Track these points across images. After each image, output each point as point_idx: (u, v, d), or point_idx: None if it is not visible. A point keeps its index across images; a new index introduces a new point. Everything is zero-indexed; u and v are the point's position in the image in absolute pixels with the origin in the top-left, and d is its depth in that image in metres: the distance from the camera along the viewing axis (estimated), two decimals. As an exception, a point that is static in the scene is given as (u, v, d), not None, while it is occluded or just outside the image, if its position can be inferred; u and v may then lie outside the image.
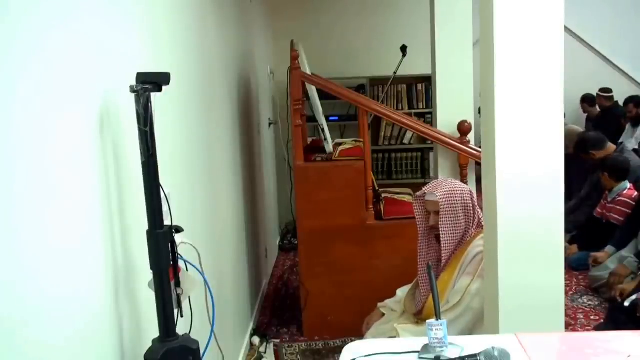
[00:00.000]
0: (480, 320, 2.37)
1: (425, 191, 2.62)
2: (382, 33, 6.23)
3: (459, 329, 2.39)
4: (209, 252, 2.44)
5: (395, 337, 2.47)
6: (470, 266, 2.44)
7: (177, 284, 1.45)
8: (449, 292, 2.47)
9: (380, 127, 6.20)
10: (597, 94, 7.32)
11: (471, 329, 2.42)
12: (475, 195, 2.62)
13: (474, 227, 2.55)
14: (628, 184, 4.64)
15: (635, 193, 4.59)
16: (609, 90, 7.28)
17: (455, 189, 2.55)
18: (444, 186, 2.58)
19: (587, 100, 7.42)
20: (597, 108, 7.41)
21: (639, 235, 4.17)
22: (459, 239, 2.53)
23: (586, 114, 7.52)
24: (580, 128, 6.29)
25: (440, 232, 2.52)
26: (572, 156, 5.21)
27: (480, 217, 2.52)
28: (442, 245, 2.53)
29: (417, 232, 2.66)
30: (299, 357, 3.45)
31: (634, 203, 4.53)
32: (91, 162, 1.31)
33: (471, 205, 2.55)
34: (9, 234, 0.97)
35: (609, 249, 4.38)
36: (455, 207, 2.51)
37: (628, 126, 6.79)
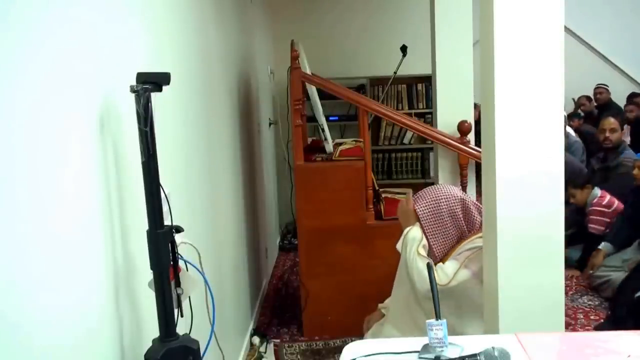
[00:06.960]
0: (466, 302, 2.37)
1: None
2: (382, 33, 6.23)
3: (446, 309, 2.38)
4: (209, 252, 2.44)
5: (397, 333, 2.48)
6: (461, 255, 2.43)
7: (177, 284, 1.45)
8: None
9: (380, 127, 6.20)
10: (597, 86, 7.39)
11: (460, 312, 2.41)
12: (468, 200, 2.56)
13: (475, 229, 2.52)
14: (599, 192, 4.64)
15: (606, 199, 4.58)
16: (606, 85, 7.39)
17: (439, 197, 2.52)
18: (426, 196, 2.54)
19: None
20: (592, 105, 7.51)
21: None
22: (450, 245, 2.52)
23: (583, 113, 7.57)
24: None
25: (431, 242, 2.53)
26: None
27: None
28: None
29: None
30: (299, 357, 3.45)
31: (608, 210, 4.55)
32: (91, 162, 1.31)
33: (460, 211, 2.51)
34: (8, 234, 0.97)
35: (604, 246, 4.36)
36: (440, 216, 2.50)
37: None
